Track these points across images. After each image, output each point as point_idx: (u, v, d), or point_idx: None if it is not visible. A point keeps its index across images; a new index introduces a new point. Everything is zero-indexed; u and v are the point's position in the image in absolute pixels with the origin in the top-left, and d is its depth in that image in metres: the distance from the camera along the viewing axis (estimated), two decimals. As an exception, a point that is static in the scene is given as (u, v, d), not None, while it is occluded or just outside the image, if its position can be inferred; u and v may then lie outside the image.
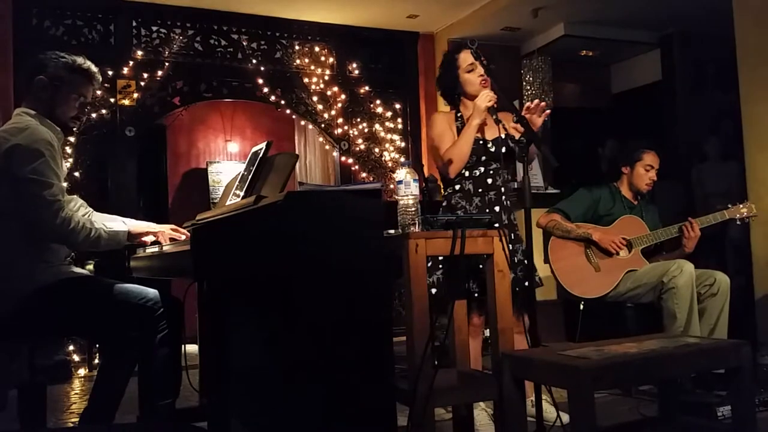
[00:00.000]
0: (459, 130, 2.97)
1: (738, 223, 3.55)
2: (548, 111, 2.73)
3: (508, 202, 2.98)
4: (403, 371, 2.43)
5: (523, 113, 2.64)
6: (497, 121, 2.74)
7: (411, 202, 2.23)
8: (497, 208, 2.92)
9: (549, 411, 2.70)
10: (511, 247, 2.77)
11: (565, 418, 2.40)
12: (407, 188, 2.24)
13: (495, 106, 2.82)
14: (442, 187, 3.13)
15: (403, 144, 6.39)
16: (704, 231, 3.50)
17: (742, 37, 4.08)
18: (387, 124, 6.36)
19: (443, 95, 3.17)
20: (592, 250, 3.53)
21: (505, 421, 2.20)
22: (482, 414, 2.86)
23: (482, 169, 2.94)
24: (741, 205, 3.50)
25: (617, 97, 7.43)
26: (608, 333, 2.66)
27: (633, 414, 3.09)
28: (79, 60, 2.54)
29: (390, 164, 6.32)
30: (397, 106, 6.46)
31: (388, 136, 6.35)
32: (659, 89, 6.70)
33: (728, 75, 4.33)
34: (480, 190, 2.93)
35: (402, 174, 2.26)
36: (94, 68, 2.58)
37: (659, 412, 2.75)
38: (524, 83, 6.29)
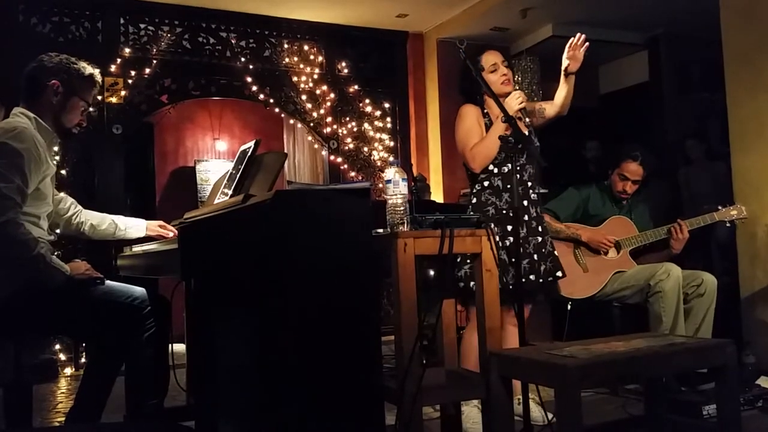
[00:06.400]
0: (487, 127, 3.02)
1: (727, 225, 3.57)
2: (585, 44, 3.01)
3: (536, 195, 3.03)
4: (392, 370, 2.43)
5: (568, 52, 2.95)
6: (527, 125, 2.95)
7: (400, 201, 2.23)
8: (525, 202, 2.97)
9: (535, 411, 2.71)
10: (540, 239, 2.93)
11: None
12: (396, 187, 2.24)
13: (526, 108, 2.91)
14: (468, 183, 3.14)
15: (392, 143, 6.38)
16: (691, 231, 3.52)
17: (729, 38, 4.10)
18: (376, 123, 6.35)
19: (467, 99, 3.15)
20: (580, 250, 3.55)
21: (493, 420, 2.21)
22: (474, 411, 2.86)
23: (510, 165, 2.96)
24: (731, 208, 3.52)
25: (605, 97, 7.45)
26: (595, 332, 2.67)
27: (619, 413, 3.11)
28: (88, 68, 2.53)
29: (379, 163, 6.31)
30: (387, 105, 6.45)
31: (377, 135, 6.35)
32: (646, 90, 6.73)
33: (714, 76, 4.35)
34: (508, 186, 2.96)
35: (391, 173, 2.27)
36: (98, 75, 2.58)
37: (645, 410, 2.76)
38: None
